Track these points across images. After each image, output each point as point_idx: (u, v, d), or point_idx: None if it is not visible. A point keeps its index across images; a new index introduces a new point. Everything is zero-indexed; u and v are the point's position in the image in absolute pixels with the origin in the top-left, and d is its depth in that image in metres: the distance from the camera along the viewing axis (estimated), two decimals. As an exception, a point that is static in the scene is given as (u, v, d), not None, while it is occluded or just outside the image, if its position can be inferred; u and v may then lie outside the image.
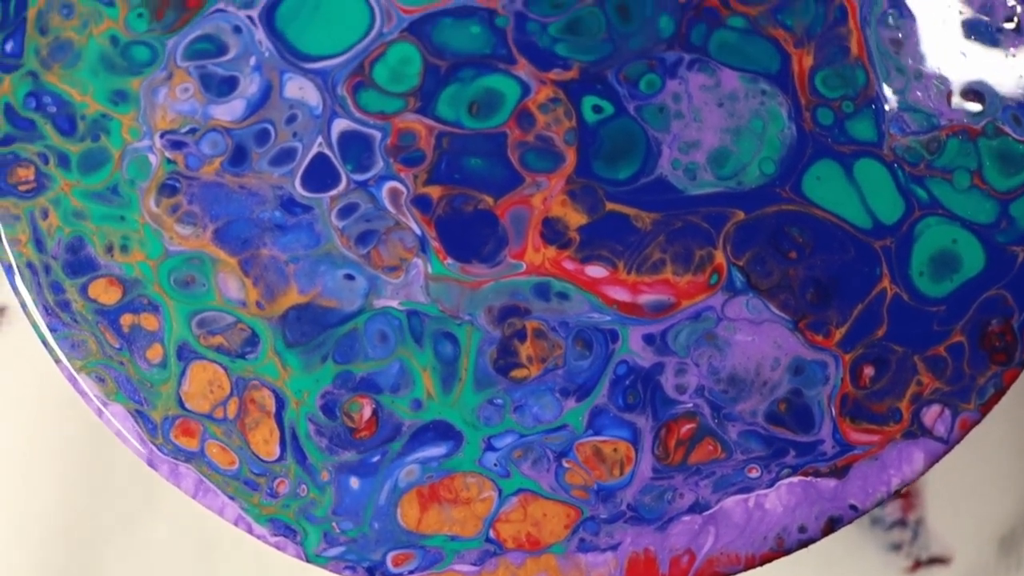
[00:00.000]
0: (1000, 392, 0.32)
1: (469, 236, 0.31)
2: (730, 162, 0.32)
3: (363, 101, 0.32)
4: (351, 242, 0.31)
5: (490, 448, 0.31)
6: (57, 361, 0.31)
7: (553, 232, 0.32)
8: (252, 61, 0.32)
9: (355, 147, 0.32)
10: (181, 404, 0.31)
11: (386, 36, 0.32)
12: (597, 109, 0.32)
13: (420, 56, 0.32)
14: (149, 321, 0.31)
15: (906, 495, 0.41)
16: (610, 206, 0.32)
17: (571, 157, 0.32)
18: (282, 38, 0.32)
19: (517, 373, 0.31)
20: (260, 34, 0.32)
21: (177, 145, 0.32)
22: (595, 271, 0.31)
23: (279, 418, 0.31)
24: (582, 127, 0.32)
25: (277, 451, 0.31)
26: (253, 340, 0.31)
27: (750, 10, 0.32)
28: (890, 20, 0.33)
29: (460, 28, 0.32)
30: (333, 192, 0.31)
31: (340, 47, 0.32)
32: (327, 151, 0.32)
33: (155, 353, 0.31)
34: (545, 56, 0.32)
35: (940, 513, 0.41)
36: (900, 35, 0.33)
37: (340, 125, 0.32)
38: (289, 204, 0.31)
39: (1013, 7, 0.33)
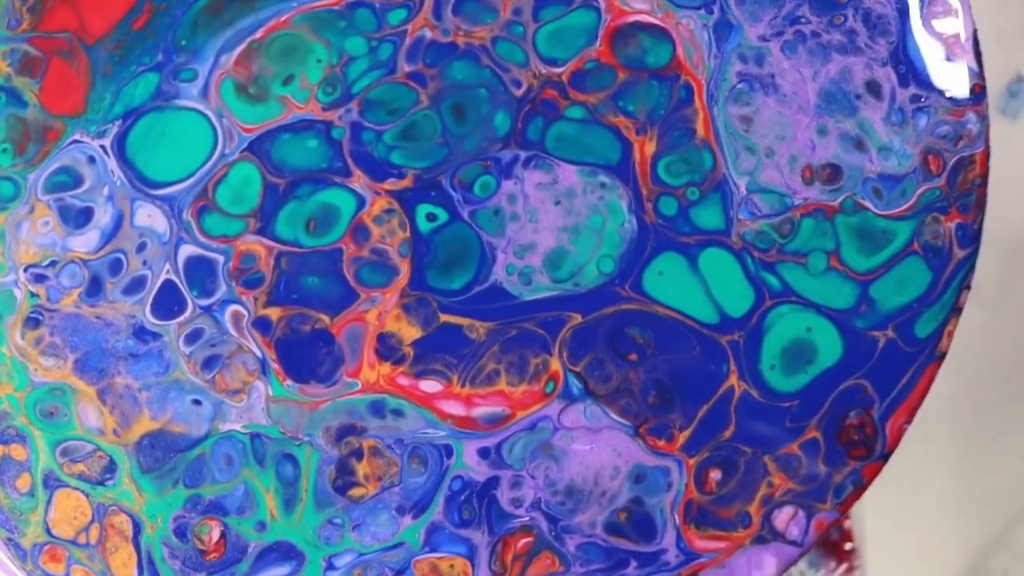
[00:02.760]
0: (860, 489, 0.30)
1: (307, 356, 0.32)
2: (567, 263, 0.31)
3: (207, 225, 0.32)
4: (197, 367, 0.32)
5: (331, 567, 0.31)
6: (-59, 493, 0.33)
7: (387, 348, 0.31)
8: (105, 191, 0.33)
9: (200, 272, 0.32)
10: (48, 531, 0.32)
11: (228, 157, 0.32)
12: (431, 217, 0.32)
13: (260, 175, 0.32)
14: (18, 452, 0.33)
15: (847, 555, 0.40)
16: (444, 318, 0.31)
17: (405, 269, 0.32)
18: (132, 166, 0.33)
19: (355, 492, 0.31)
20: (112, 163, 0.33)
21: (39, 278, 0.33)
22: (429, 386, 0.31)
23: (136, 542, 0.32)
24: (416, 237, 0.32)
25: (135, 574, 0.32)
26: (111, 467, 0.32)
27: (589, 98, 0.32)
28: (739, 95, 0.31)
29: (298, 143, 0.32)
30: (180, 319, 0.32)
31: (185, 172, 0.32)
32: (174, 278, 0.32)
33: (24, 482, 0.33)
34: (380, 166, 0.32)
35: (881, 573, 0.39)
36: (750, 111, 0.31)
37: (186, 251, 0.32)
38: (140, 332, 0.32)
39: (874, 74, 0.31)
